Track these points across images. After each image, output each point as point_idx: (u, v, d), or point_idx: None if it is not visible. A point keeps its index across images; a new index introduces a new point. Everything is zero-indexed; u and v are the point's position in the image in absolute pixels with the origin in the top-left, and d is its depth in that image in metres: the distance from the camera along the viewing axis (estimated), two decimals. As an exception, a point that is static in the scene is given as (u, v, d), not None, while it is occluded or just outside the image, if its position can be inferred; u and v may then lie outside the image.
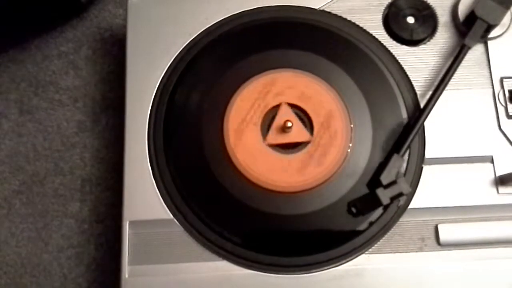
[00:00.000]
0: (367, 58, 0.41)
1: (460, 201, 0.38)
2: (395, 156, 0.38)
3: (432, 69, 0.41)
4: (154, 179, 0.38)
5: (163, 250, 0.37)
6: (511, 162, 0.39)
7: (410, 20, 0.42)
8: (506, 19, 0.41)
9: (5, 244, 0.43)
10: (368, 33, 0.42)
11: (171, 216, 0.38)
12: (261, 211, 0.38)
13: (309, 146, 0.39)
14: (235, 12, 0.42)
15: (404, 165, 0.39)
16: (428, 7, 0.42)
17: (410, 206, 0.38)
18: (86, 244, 0.43)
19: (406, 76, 0.41)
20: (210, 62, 0.41)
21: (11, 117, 0.46)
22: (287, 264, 0.37)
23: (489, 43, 0.41)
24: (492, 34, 0.41)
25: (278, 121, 0.39)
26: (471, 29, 0.40)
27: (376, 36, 0.42)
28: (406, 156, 0.39)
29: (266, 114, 0.39)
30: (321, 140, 0.39)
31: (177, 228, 0.37)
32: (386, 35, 0.42)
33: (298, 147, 0.39)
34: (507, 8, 0.40)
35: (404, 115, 0.40)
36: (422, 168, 0.39)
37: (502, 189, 0.38)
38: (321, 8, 0.42)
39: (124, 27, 0.43)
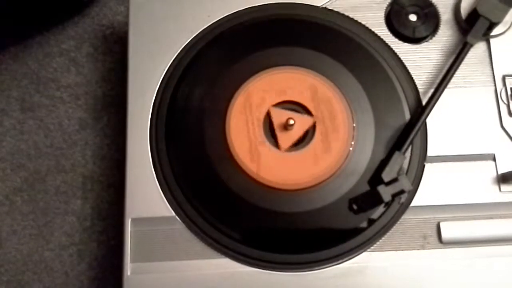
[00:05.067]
0: (369, 55, 0.41)
1: (462, 199, 0.38)
2: (396, 154, 0.38)
3: (434, 67, 0.41)
4: (156, 176, 0.38)
5: (165, 248, 0.37)
6: (513, 160, 0.39)
7: (413, 17, 0.42)
8: (508, 17, 0.41)
9: (6, 242, 0.43)
10: (370, 30, 0.42)
11: (173, 213, 0.38)
12: (263, 208, 0.38)
13: (311, 144, 0.39)
14: (237, 10, 0.42)
15: (406, 162, 0.39)
16: (431, 5, 0.42)
17: (412, 204, 0.38)
18: (88, 241, 0.43)
19: (408, 73, 0.41)
20: (212, 60, 0.41)
21: (12, 115, 0.46)
22: (289, 261, 0.37)
23: (492, 41, 0.41)
24: (495, 32, 0.41)
25: (278, 125, 0.39)
26: (473, 27, 0.40)
27: (378, 34, 0.42)
28: (408, 154, 0.39)
29: (264, 119, 0.39)
30: (323, 138, 0.39)
31: (179, 225, 0.37)
32: (388, 33, 0.42)
33: (301, 143, 0.39)
34: (510, 6, 0.40)
35: (406, 112, 0.40)
36: (424, 166, 0.39)
37: (504, 187, 0.38)
38: (324, 6, 0.42)
39: (125, 24, 0.43)
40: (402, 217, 0.38)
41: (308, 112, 0.39)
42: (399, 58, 0.41)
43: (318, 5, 0.42)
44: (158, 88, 0.40)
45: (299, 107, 0.40)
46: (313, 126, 0.39)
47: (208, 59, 0.41)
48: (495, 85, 0.40)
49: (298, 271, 0.37)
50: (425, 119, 0.39)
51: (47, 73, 0.47)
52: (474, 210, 0.38)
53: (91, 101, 0.46)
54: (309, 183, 0.38)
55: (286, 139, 0.39)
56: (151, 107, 0.40)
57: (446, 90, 0.39)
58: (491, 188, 0.38)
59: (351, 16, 0.42)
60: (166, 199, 0.38)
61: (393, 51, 0.41)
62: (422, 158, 0.39)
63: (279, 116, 0.39)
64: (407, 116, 0.40)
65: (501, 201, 0.38)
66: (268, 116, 0.39)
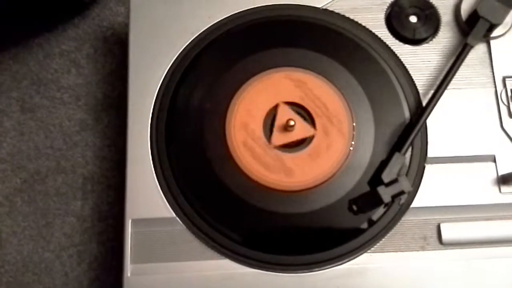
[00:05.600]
0: (369, 56, 0.41)
1: (463, 200, 0.38)
2: (396, 154, 0.38)
3: (435, 68, 0.41)
4: (157, 177, 0.38)
5: (166, 249, 0.37)
6: (513, 161, 0.39)
7: (413, 19, 0.42)
8: (508, 18, 0.41)
9: (7, 242, 0.43)
10: (370, 32, 0.42)
11: (174, 214, 0.38)
12: (263, 209, 0.38)
13: (311, 144, 0.39)
14: (238, 11, 0.42)
15: (406, 163, 0.39)
16: (431, 6, 0.42)
17: (412, 205, 0.38)
18: (88, 242, 0.43)
19: (409, 74, 0.41)
20: (212, 61, 0.41)
21: (12, 115, 0.46)
22: (289, 262, 0.37)
23: (492, 42, 0.41)
24: (495, 33, 0.41)
25: (279, 121, 0.39)
26: (473, 28, 0.40)
27: (379, 35, 0.42)
28: (408, 155, 0.39)
29: (268, 112, 0.39)
30: (323, 139, 0.39)
31: (179, 226, 0.37)
32: (389, 34, 0.42)
33: (300, 145, 0.39)
34: (510, 7, 0.40)
35: (406, 113, 0.40)
36: (424, 167, 0.39)
37: (504, 188, 0.38)
38: (324, 7, 0.42)
39: (126, 25, 0.43)
40: (402, 218, 0.38)
41: (312, 122, 0.39)
42: (400, 60, 0.41)
43: (319, 6, 0.42)
44: (159, 89, 0.40)
45: (306, 114, 0.40)
46: (311, 138, 0.39)
47: (209, 60, 0.41)
48: (495, 87, 0.40)
49: (298, 272, 0.37)
50: (425, 120, 0.39)
51: (48, 74, 0.47)
52: (475, 211, 0.38)
53: (92, 102, 0.46)
54: (309, 184, 0.38)
55: (280, 137, 0.39)
56: (152, 108, 0.40)
57: (446, 91, 0.39)
58: (491, 190, 0.38)
59: (351, 17, 0.42)
60: (167, 200, 0.38)
61: (394, 52, 0.41)
62: (422, 159, 0.39)
63: (284, 115, 0.39)
64: (407, 117, 0.40)
65: (501, 203, 0.38)
66: (274, 110, 0.39)
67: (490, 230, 0.37)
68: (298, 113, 0.39)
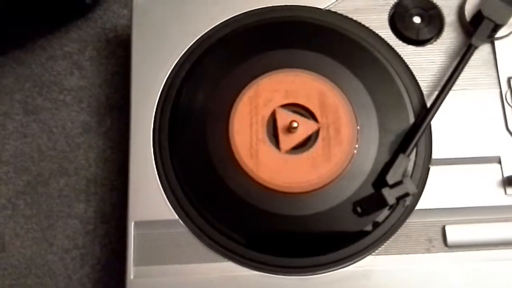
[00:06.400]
0: (373, 58, 0.41)
1: (468, 202, 0.38)
2: (401, 156, 0.37)
3: (439, 69, 0.41)
4: (159, 179, 0.38)
5: (168, 251, 0.37)
6: (518, 162, 0.39)
7: (417, 20, 0.42)
8: (513, 19, 0.41)
9: (10, 245, 0.43)
10: (374, 33, 0.42)
11: (176, 216, 0.38)
12: (267, 211, 0.38)
13: (315, 146, 0.39)
14: (241, 12, 0.42)
15: (411, 165, 0.38)
16: (435, 7, 0.42)
17: (417, 207, 0.38)
18: (91, 244, 0.43)
19: (413, 76, 0.41)
20: (215, 62, 0.41)
21: (15, 118, 0.46)
22: (292, 265, 0.37)
23: (496, 42, 0.41)
24: (499, 33, 0.41)
25: (281, 125, 0.39)
26: (477, 29, 0.40)
27: (382, 36, 0.41)
28: (412, 157, 0.38)
29: (270, 116, 0.39)
30: (327, 141, 0.39)
31: (182, 228, 0.37)
32: (392, 35, 0.42)
33: (304, 146, 0.39)
34: (515, 7, 0.40)
35: (411, 115, 0.40)
36: (429, 168, 0.39)
37: (509, 190, 0.38)
38: (327, 8, 0.42)
39: (128, 27, 0.43)
40: (407, 220, 0.38)
41: (313, 117, 0.39)
42: (403, 61, 0.41)
43: (322, 7, 0.42)
44: (161, 91, 0.40)
45: (306, 112, 0.39)
46: (317, 132, 0.39)
47: (211, 62, 0.41)
48: (500, 87, 0.40)
49: (302, 275, 0.37)
50: (430, 121, 0.38)
51: (50, 76, 0.47)
52: (480, 213, 0.38)
53: (94, 104, 0.46)
54: (313, 186, 0.38)
55: (287, 141, 0.38)
56: (154, 110, 0.40)
57: (450, 93, 0.39)
58: (496, 191, 0.38)
59: (354, 18, 0.42)
60: (169, 202, 0.38)
61: (397, 53, 0.41)
62: (427, 160, 0.39)
63: (284, 118, 0.39)
64: (412, 118, 0.40)
65: (506, 204, 0.38)
66: (273, 116, 0.39)
67: (496, 232, 0.37)
68: (297, 113, 0.39)
